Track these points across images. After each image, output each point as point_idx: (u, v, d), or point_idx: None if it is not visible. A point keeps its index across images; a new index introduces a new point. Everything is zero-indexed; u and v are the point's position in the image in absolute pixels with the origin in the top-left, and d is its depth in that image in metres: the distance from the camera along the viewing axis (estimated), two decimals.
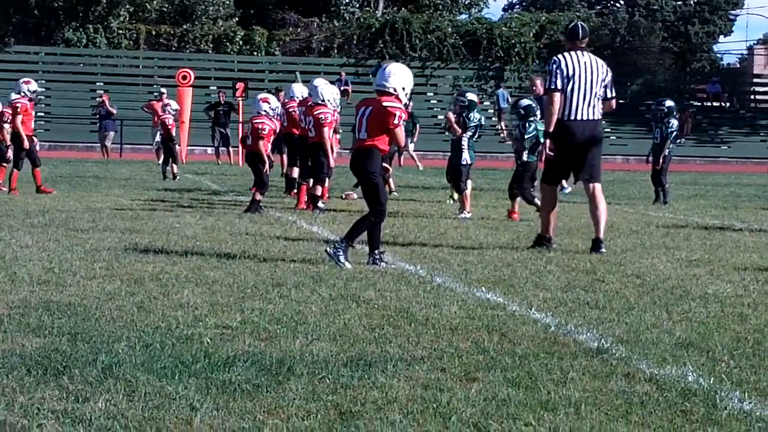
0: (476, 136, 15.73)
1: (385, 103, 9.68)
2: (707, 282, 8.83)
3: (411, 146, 31.29)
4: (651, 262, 10.17)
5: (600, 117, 10.96)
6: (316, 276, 8.64)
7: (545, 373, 5.45)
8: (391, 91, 9.67)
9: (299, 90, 17.68)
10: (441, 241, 11.78)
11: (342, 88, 46.67)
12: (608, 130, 48.24)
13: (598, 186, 10.91)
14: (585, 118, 10.77)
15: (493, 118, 43.92)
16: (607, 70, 10.93)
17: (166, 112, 24.93)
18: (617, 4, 64.79)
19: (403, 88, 9.71)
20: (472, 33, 52.59)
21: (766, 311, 7.52)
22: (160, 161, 32.24)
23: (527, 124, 14.98)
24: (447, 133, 17.06)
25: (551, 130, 10.88)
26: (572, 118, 10.76)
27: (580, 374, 5.43)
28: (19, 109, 17.88)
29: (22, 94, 18.21)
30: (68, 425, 4.41)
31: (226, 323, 6.57)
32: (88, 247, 10.22)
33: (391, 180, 20.18)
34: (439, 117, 41.65)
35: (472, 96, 16.22)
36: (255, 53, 51.51)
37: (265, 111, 15.28)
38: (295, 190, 18.62)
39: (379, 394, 4.98)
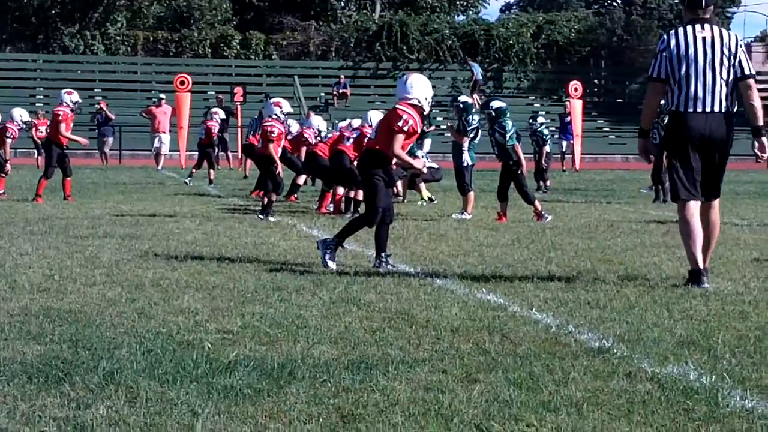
0: (477, 138, 15.76)
1: (397, 106, 9.71)
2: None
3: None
4: (651, 260, 10.17)
5: (732, 108, 8.56)
6: (317, 280, 8.64)
7: (547, 373, 5.45)
8: (415, 102, 9.69)
9: (317, 122, 19.96)
10: (441, 242, 11.78)
11: (340, 91, 46.83)
12: (607, 129, 48.34)
13: (716, 203, 8.68)
14: (708, 109, 8.45)
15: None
16: (737, 44, 8.52)
17: (213, 119, 25.22)
18: (614, 3, 64.75)
19: (426, 98, 9.77)
20: (469, 34, 52.76)
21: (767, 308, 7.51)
22: (159, 167, 32.22)
23: (504, 124, 14.86)
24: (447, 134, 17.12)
25: (646, 127, 8.81)
26: (690, 109, 8.46)
27: (581, 374, 5.42)
28: (60, 118, 18.65)
29: (65, 104, 18.98)
30: None
31: (227, 328, 6.57)
32: (88, 254, 10.22)
33: (399, 183, 20.14)
34: (438, 119, 41.62)
35: (466, 98, 16.27)
36: (252, 57, 51.49)
37: (276, 115, 15.35)
38: (295, 195, 18.88)
39: (381, 396, 4.98)
